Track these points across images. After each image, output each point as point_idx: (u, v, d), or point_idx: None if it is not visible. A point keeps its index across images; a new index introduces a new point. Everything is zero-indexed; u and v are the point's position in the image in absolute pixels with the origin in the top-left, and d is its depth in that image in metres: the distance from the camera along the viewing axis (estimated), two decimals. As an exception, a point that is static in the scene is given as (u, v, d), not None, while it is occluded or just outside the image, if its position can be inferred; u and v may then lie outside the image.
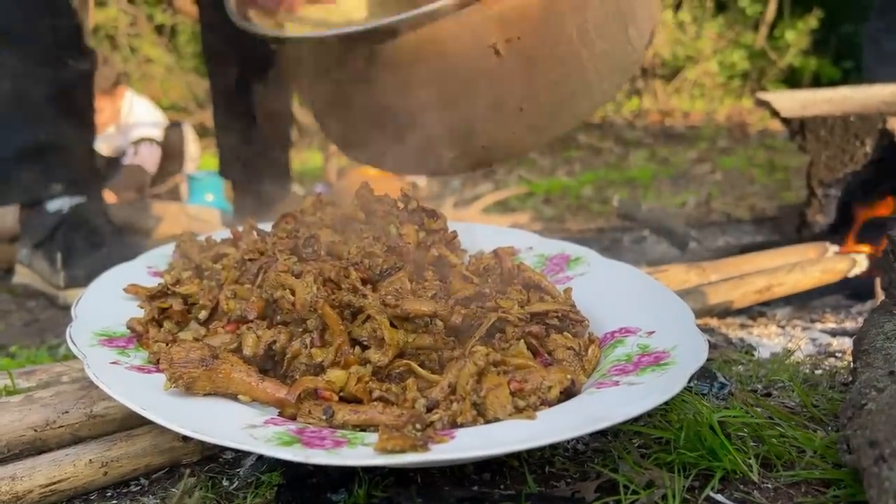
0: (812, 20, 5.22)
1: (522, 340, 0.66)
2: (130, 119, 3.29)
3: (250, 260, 0.79)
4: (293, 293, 0.68)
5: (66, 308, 1.39)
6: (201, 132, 4.92)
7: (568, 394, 0.63)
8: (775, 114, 1.48)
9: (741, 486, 0.61)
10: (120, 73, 3.44)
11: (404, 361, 0.65)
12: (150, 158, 3.20)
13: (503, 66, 0.99)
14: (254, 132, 2.00)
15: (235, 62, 1.91)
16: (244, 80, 1.94)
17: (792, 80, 5.46)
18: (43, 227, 1.45)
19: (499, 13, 0.94)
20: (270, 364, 0.68)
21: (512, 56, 0.98)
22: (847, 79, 5.11)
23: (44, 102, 1.43)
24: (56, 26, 1.41)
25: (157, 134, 3.28)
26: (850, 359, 0.78)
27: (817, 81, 5.30)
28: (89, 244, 1.43)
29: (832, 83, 4.68)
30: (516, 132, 1.09)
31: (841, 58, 5.48)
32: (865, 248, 1.28)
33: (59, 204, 1.45)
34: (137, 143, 3.20)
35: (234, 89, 1.96)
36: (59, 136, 1.46)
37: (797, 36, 5.32)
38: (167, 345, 0.70)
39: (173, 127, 3.38)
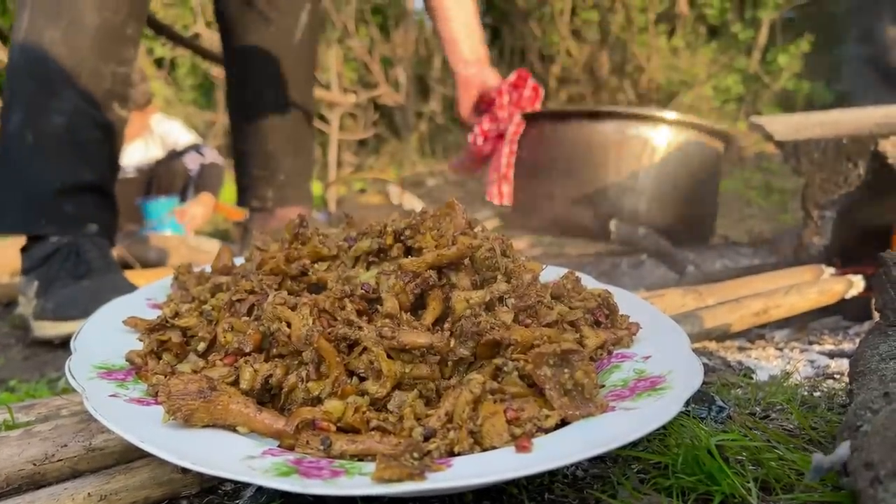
0: (804, 44, 5.28)
1: (516, 371, 0.66)
2: (166, 133, 3.40)
3: (238, 301, 0.79)
4: (289, 325, 0.69)
5: (39, 342, 1.37)
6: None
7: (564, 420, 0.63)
8: (769, 137, 1.50)
9: (740, 511, 0.61)
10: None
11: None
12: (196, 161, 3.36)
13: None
14: (275, 158, 2.04)
15: (252, 89, 1.97)
16: (261, 105, 1.99)
17: (786, 103, 5.50)
18: (37, 255, 1.45)
19: None
20: (268, 396, 0.69)
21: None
22: (840, 101, 5.15)
23: (88, 143, 1.49)
24: (116, 73, 1.49)
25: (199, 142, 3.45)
26: (848, 380, 0.78)
27: (811, 104, 5.34)
28: (71, 277, 1.42)
29: (825, 106, 4.72)
30: None
31: (833, 81, 5.53)
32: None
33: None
34: (184, 151, 3.33)
35: (250, 114, 2.01)
36: (98, 176, 1.51)
37: (790, 60, 5.38)
38: (166, 377, 0.71)
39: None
